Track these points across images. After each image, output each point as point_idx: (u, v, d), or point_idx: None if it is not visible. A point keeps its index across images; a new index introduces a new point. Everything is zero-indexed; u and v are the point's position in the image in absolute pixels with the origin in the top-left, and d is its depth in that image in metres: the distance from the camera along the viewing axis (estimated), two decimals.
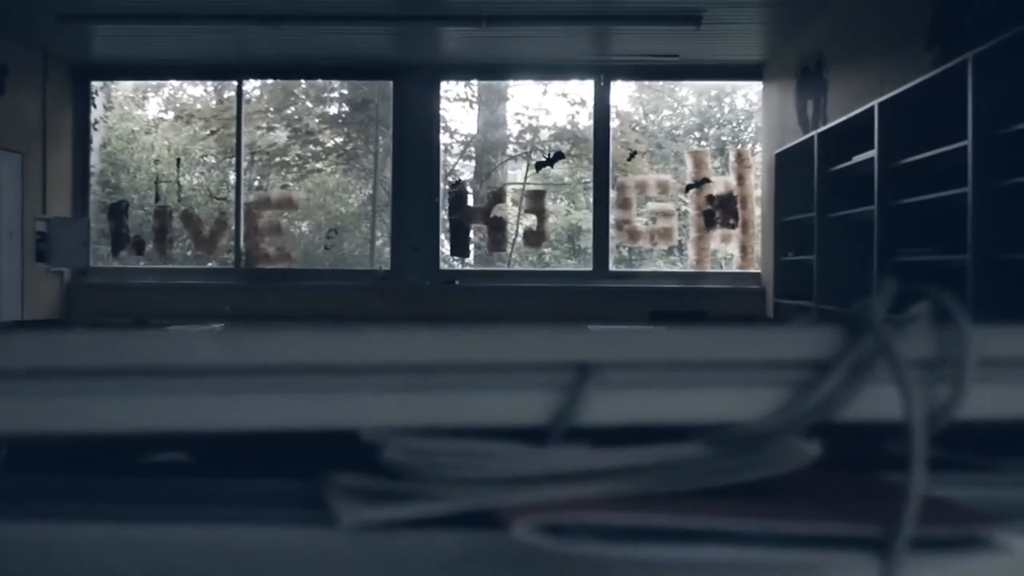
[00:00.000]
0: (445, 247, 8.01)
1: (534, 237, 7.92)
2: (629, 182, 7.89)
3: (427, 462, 0.39)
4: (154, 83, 8.82)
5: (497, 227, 7.88)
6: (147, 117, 9.05)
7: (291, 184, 8.54)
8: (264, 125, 8.71)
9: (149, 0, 6.20)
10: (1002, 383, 0.43)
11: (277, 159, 8.76)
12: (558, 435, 0.40)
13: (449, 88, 8.44)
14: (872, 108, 4.84)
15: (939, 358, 0.41)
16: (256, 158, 8.58)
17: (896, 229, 4.73)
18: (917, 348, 0.41)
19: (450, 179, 8.21)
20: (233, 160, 8.13)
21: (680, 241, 8.05)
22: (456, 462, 0.39)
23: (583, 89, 8.23)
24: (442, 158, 8.08)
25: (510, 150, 8.86)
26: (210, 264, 8.17)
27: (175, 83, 8.92)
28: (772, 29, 6.72)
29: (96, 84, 8.16)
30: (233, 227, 7.93)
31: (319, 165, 8.95)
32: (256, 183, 8.45)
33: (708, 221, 7.74)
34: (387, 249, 8.04)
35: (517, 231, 8.12)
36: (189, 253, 8.28)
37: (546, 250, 8.53)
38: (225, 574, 0.38)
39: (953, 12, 4.39)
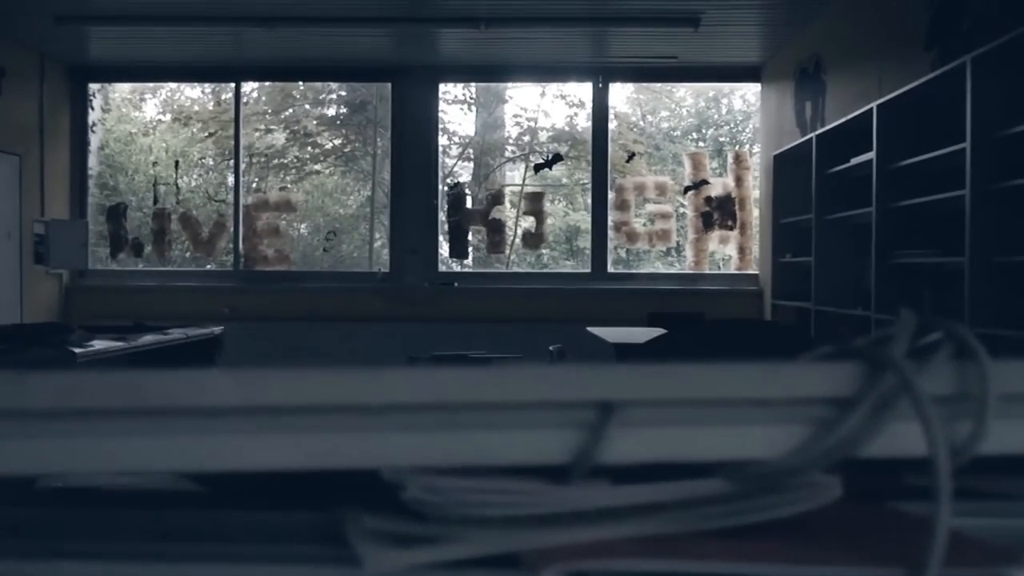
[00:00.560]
0: (444, 249, 8.01)
1: (533, 239, 7.92)
2: (627, 184, 7.89)
3: (449, 501, 0.39)
4: (152, 85, 8.81)
5: (496, 229, 7.88)
6: (145, 119, 9.04)
7: (290, 186, 8.53)
8: (262, 127, 8.70)
9: (147, 2, 6.19)
10: (1022, 418, 0.43)
11: (275, 161, 8.75)
12: (581, 473, 0.40)
13: (447, 90, 8.44)
14: (871, 110, 4.85)
15: (960, 394, 0.41)
16: (254, 160, 8.57)
17: (894, 231, 4.74)
18: (938, 384, 0.41)
19: (448, 181, 8.21)
20: (231, 162, 8.12)
21: (678, 243, 8.05)
22: (478, 501, 0.39)
23: (581, 91, 8.23)
24: (440, 160, 8.08)
25: (508, 152, 8.87)
26: (209, 266, 8.17)
27: (173, 85, 8.91)
28: (770, 31, 6.73)
29: (94, 86, 8.15)
30: (232, 229, 7.93)
31: (317, 167, 8.94)
32: (254, 185, 8.44)
33: (706, 223, 7.75)
34: (386, 251, 8.04)
35: (516, 233, 8.12)
36: (188, 255, 8.27)
37: (544, 252, 8.53)
38: None
39: (951, 14, 4.40)
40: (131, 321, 5.46)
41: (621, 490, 0.40)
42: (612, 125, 8.10)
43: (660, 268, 8.28)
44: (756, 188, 7.72)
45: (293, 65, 7.83)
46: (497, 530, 0.38)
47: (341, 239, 8.58)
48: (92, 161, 8.18)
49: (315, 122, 8.89)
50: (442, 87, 8.09)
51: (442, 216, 7.92)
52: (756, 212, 7.69)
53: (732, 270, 7.84)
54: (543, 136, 8.63)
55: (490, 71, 7.95)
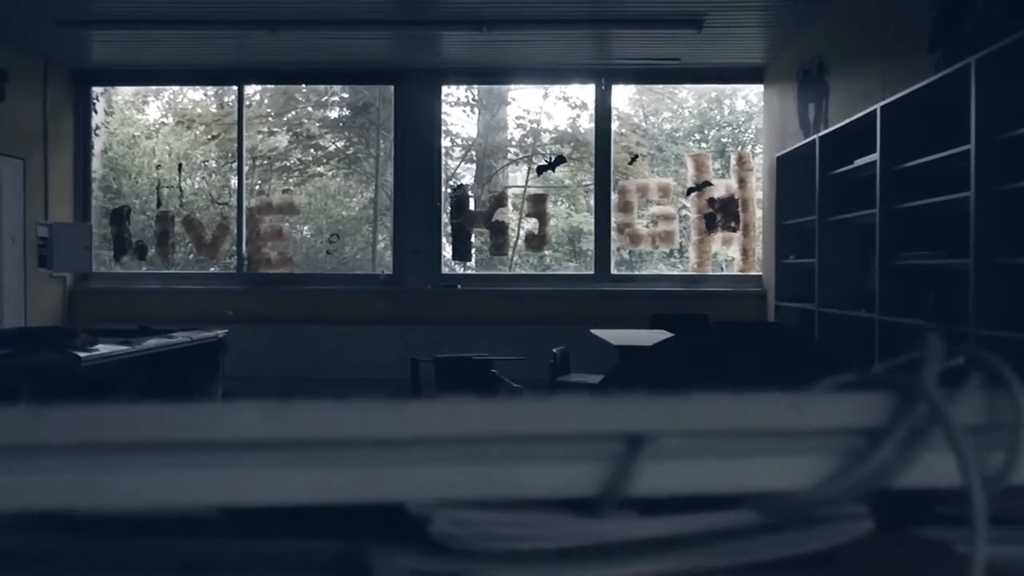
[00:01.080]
0: (447, 251, 8.01)
1: (535, 240, 7.93)
2: (630, 185, 7.89)
3: (476, 534, 0.39)
4: (155, 88, 8.82)
5: (498, 231, 7.88)
6: (148, 122, 9.05)
7: (292, 188, 8.54)
8: (265, 129, 8.71)
9: (149, 5, 6.19)
10: None
11: (278, 163, 8.76)
12: (609, 506, 0.39)
13: (450, 92, 8.44)
14: (874, 111, 4.84)
15: (992, 423, 0.41)
16: (257, 163, 8.58)
17: (898, 233, 4.73)
18: (969, 414, 0.41)
19: (451, 183, 8.21)
20: (234, 165, 8.13)
21: (681, 244, 8.05)
22: (506, 534, 0.38)
23: (584, 92, 8.22)
24: (443, 162, 8.08)
25: (511, 154, 8.86)
26: (212, 269, 8.18)
27: (176, 88, 8.92)
28: (773, 32, 6.72)
29: (97, 89, 8.16)
30: (235, 231, 7.93)
31: (320, 169, 8.95)
32: (257, 187, 8.45)
33: (709, 224, 7.74)
34: (389, 253, 8.04)
35: (518, 235, 8.12)
36: (191, 258, 8.27)
37: (547, 253, 8.52)
38: None
39: (954, 15, 4.39)
40: (135, 324, 5.46)
41: (649, 522, 0.39)
42: (615, 126, 8.10)
43: (663, 270, 8.28)
44: (759, 189, 7.71)
45: (296, 68, 7.84)
46: (525, 564, 0.38)
47: (344, 241, 8.58)
48: (95, 164, 8.20)
49: (318, 124, 8.90)
50: (445, 89, 8.10)
51: (445, 218, 7.92)
52: (759, 214, 7.68)
53: (735, 272, 7.83)
54: (546, 138, 8.63)
55: (492, 73, 7.95)
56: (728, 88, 8.83)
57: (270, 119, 8.79)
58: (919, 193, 4.46)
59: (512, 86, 8.63)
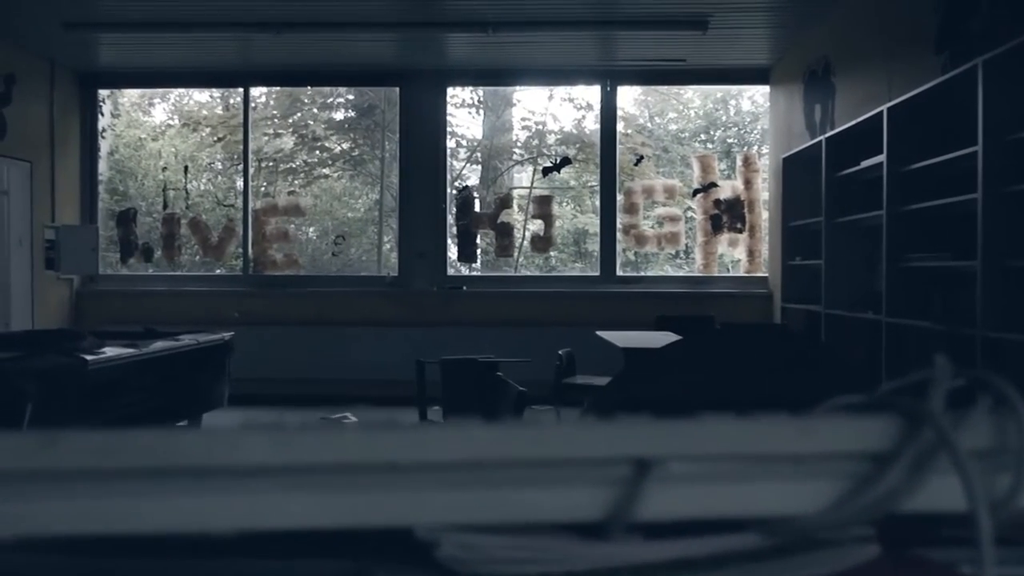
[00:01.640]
0: (452, 252, 8.01)
1: (541, 242, 7.92)
2: (636, 186, 7.89)
3: (483, 558, 0.39)
4: (161, 90, 8.84)
5: (504, 232, 7.88)
6: (154, 124, 9.08)
7: (298, 190, 8.55)
8: (271, 131, 8.72)
9: (155, 8, 6.21)
10: None
11: (284, 165, 8.78)
12: (616, 530, 0.40)
13: (455, 94, 8.44)
14: (881, 113, 4.83)
15: (998, 447, 0.41)
16: (263, 164, 8.60)
17: (905, 234, 4.72)
18: (976, 438, 0.41)
19: (457, 184, 8.21)
20: (240, 166, 8.15)
21: (687, 245, 8.04)
22: (513, 558, 0.39)
23: (589, 94, 8.22)
24: (449, 163, 8.09)
25: (516, 155, 8.86)
26: (218, 271, 8.19)
27: (181, 90, 8.94)
28: (779, 33, 6.71)
29: (103, 92, 8.19)
30: (241, 233, 7.95)
31: (326, 171, 8.96)
32: (263, 189, 8.47)
33: (715, 225, 7.73)
34: (394, 255, 8.05)
35: (524, 236, 8.12)
36: (197, 260, 8.29)
37: (553, 255, 8.52)
38: None
39: (961, 17, 4.37)
40: (141, 326, 5.48)
41: (656, 546, 0.40)
42: (620, 128, 8.09)
43: (669, 271, 8.26)
44: (765, 191, 7.70)
45: (301, 69, 7.85)
46: None
47: (350, 243, 8.59)
48: (102, 166, 8.22)
49: (323, 126, 8.91)
50: (450, 91, 8.10)
51: (450, 219, 7.93)
52: (765, 215, 7.66)
53: (741, 273, 7.82)
54: (551, 139, 8.63)
55: (498, 75, 7.95)
56: (734, 89, 8.80)
57: (276, 121, 8.80)
58: (926, 195, 4.44)
59: (517, 87, 8.62)
